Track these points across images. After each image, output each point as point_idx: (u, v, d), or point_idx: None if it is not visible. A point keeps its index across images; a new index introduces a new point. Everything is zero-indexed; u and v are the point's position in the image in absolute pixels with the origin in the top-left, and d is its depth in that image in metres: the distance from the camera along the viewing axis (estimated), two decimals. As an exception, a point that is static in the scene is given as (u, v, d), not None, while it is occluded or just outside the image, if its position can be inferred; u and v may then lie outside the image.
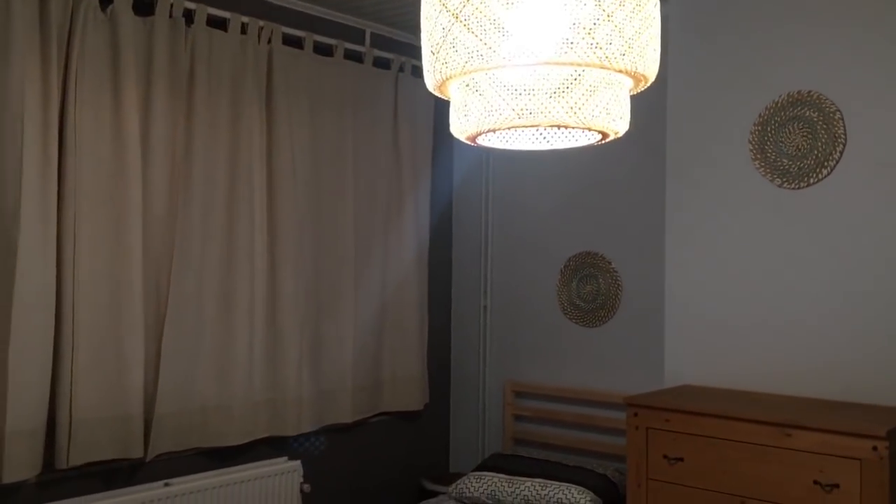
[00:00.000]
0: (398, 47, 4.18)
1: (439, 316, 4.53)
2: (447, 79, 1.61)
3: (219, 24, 3.38)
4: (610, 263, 4.04)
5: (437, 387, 4.49)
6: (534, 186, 4.34)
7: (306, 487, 3.52)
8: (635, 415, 3.04)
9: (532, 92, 1.54)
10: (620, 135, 1.64)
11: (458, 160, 4.64)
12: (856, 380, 2.93)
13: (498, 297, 4.48)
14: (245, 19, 3.43)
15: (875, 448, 2.49)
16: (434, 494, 3.98)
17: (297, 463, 3.57)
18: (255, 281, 3.43)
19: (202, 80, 3.27)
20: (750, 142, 3.20)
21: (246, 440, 3.40)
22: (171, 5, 3.19)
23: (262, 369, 3.46)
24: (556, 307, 4.23)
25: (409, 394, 4.17)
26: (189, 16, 3.26)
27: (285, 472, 3.51)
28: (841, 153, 2.97)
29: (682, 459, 2.91)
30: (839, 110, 2.98)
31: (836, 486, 2.56)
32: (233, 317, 3.38)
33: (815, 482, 2.60)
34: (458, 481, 3.76)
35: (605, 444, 3.94)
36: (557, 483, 3.54)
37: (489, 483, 3.65)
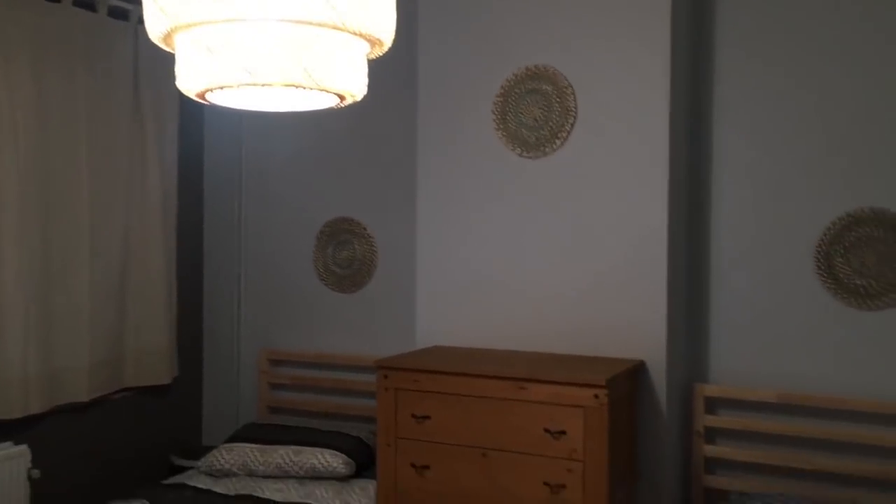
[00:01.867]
0: (138, -3, 3.88)
1: (190, 285, 4.33)
2: (171, 31, 1.51)
3: (-86, -45, 2.93)
4: (365, 229, 4.08)
5: (189, 358, 4.30)
6: (288, 151, 4.26)
7: (35, 473, 3.23)
8: (385, 377, 3.10)
9: (264, 50, 1.48)
10: (358, 98, 1.63)
11: (208, 121, 4.43)
12: (584, 335, 3.20)
13: (253, 265, 4.36)
14: (-51, -48, 3.01)
15: (596, 396, 2.74)
16: (184, 470, 3.83)
17: (24, 447, 3.26)
18: (-32, 250, 3.06)
19: None
20: (493, 112, 3.34)
21: (-39, 427, 3.06)
22: None
23: (-20, 348, 3.11)
24: (313, 273, 4.21)
25: (155, 367, 3.95)
26: None
27: (10, 458, 3.19)
28: (572, 125, 3.20)
29: (429, 417, 3.02)
30: (571, 85, 3.20)
31: (564, 432, 2.79)
32: (-59, 291, 3.00)
33: (546, 430, 2.81)
34: (208, 454, 3.65)
35: (361, 408, 4.00)
36: (311, 448, 3.54)
37: (240, 454, 3.57)
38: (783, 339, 3.20)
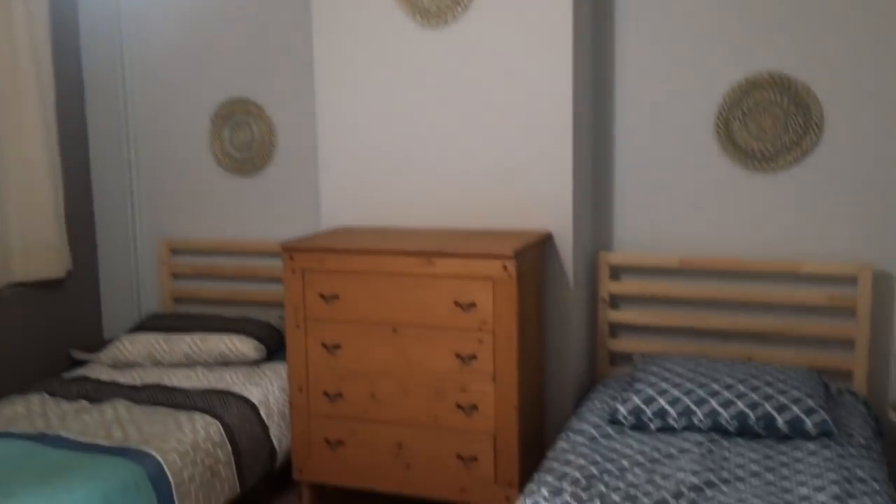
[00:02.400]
0: None
1: (76, 173, 4.08)
2: None
3: None
4: (263, 109, 3.90)
5: (82, 251, 4.10)
6: (174, 28, 3.98)
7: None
8: (291, 258, 3.03)
9: None
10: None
11: (82, -5, 4.08)
12: (491, 209, 3.18)
13: (144, 150, 4.13)
14: None
15: (505, 267, 2.75)
16: (85, 364, 3.71)
17: None
18: None
19: None
20: (392, -22, 3.17)
21: None
22: None
23: None
24: (209, 158, 4.03)
25: (45, 260, 3.75)
26: None
27: None
28: (474, -9, 3.07)
29: (337, 297, 2.98)
30: (472, -52, 3.05)
31: (473, 304, 2.80)
32: None
33: (456, 303, 2.82)
34: (109, 345, 3.54)
35: (269, 294, 3.92)
36: (219, 335, 3.47)
37: (144, 344, 3.47)
38: (684, 206, 3.26)
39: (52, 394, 3.14)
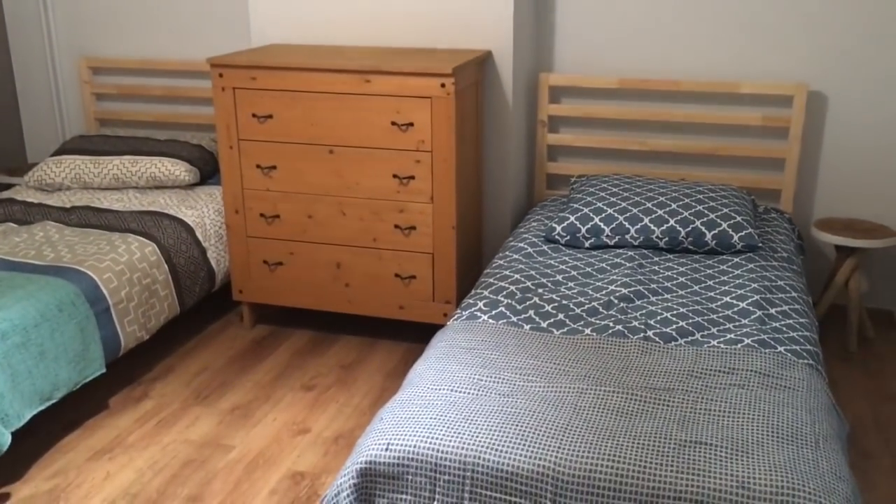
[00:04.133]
0: None
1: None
2: None
3: None
4: (183, -86, 3.59)
5: (-4, 70, 3.86)
6: None
7: None
8: (220, 75, 2.90)
9: None
10: None
11: None
12: (429, 27, 3.06)
13: (54, -41, 3.81)
14: None
15: (443, 85, 2.68)
16: (10, 188, 3.57)
17: None
18: None
19: None
20: None
21: None
22: None
23: None
24: (127, -32, 3.74)
25: (-44, 79, 3.53)
26: None
27: None
28: None
29: (271, 116, 2.89)
30: None
31: (411, 124, 2.75)
32: None
33: (393, 123, 2.76)
34: (35, 168, 3.40)
35: (199, 116, 3.78)
36: (149, 157, 3.36)
37: (71, 166, 3.35)
38: (626, 25, 3.19)
39: (-25, 217, 3.04)
